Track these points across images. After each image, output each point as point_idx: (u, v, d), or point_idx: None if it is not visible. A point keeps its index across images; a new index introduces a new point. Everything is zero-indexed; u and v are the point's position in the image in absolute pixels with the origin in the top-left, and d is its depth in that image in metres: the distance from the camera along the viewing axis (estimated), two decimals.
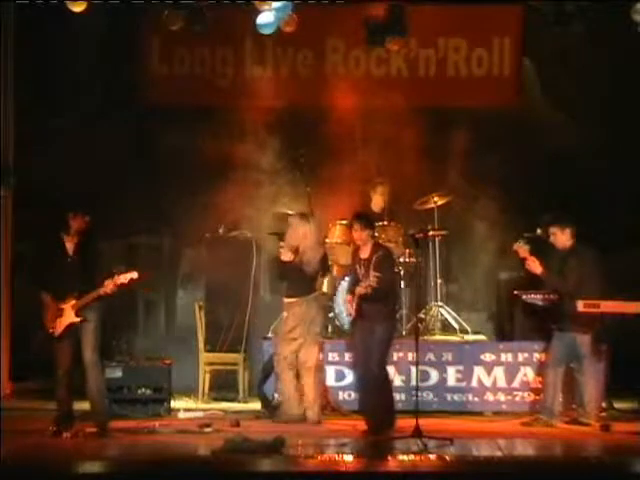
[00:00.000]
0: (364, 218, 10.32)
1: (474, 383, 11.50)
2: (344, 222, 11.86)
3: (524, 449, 9.54)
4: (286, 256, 10.76)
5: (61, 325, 9.87)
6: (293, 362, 10.71)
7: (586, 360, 10.55)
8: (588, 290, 10.37)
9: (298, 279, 10.77)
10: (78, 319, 9.85)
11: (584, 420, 10.56)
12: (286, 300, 10.80)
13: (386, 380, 10.30)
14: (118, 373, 11.02)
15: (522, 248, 10.53)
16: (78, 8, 11.07)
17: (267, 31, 11.47)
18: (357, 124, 12.88)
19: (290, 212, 11.89)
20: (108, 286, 9.81)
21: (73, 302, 9.85)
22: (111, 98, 12.81)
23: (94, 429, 9.86)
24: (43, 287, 9.94)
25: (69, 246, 9.98)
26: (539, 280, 10.68)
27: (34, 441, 9.62)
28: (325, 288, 12.25)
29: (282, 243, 11.01)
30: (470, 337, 12.14)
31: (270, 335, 11.50)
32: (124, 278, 9.87)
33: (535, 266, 10.50)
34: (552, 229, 10.59)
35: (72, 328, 9.86)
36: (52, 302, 9.89)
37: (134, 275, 9.92)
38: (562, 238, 10.58)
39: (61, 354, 9.91)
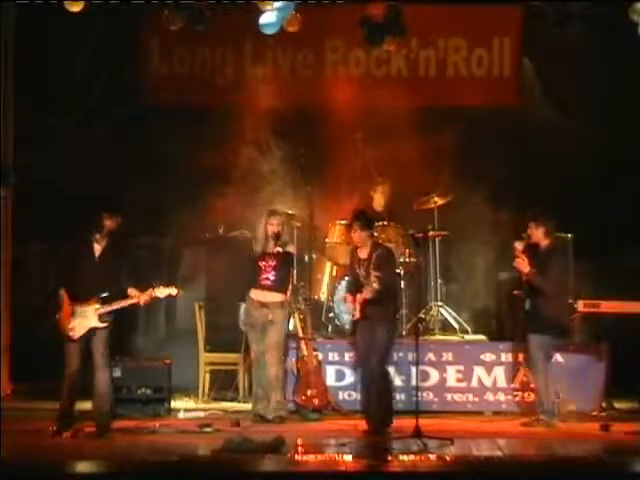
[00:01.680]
0: (363, 219, 10.25)
1: (474, 383, 11.50)
2: (344, 222, 11.86)
3: (524, 449, 9.52)
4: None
5: (81, 328, 9.83)
6: None
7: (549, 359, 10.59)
8: (565, 291, 10.43)
9: None
10: (103, 325, 9.82)
11: (543, 418, 10.52)
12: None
13: (387, 380, 10.28)
14: (118, 373, 11.02)
15: (519, 246, 10.56)
16: (76, 8, 11.07)
17: (270, 31, 11.49)
18: (357, 124, 12.87)
19: (290, 211, 11.94)
20: (142, 298, 9.79)
21: (97, 306, 9.81)
22: (111, 98, 12.80)
23: (94, 429, 9.86)
24: (63, 286, 9.91)
25: (97, 248, 9.95)
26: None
27: (34, 441, 9.62)
28: (324, 288, 12.33)
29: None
30: (470, 337, 12.14)
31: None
32: (161, 293, 9.86)
33: (523, 265, 10.51)
34: (529, 224, 10.62)
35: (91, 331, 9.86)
36: (69, 302, 9.86)
37: (173, 292, 9.92)
38: (536, 234, 10.60)
39: (73, 355, 9.88)
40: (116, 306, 9.81)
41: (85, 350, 9.90)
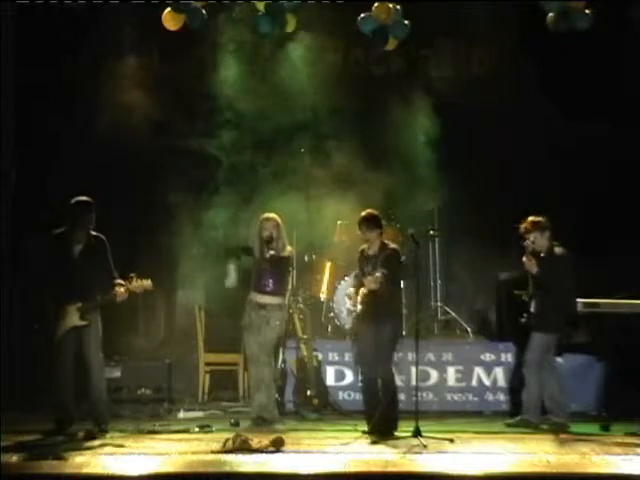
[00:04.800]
0: (372, 219, 10.20)
1: (474, 383, 11.51)
2: (344, 222, 11.87)
3: (523, 449, 9.51)
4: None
5: (64, 327, 9.83)
6: None
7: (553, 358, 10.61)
8: (566, 290, 10.48)
9: None
10: (83, 323, 9.82)
11: (558, 420, 10.51)
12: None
13: (392, 379, 10.23)
14: (118, 373, 11.03)
15: (530, 245, 10.59)
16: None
17: (265, 30, 11.62)
18: (357, 124, 12.90)
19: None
20: (122, 293, 9.77)
21: (79, 305, 9.80)
22: (111, 97, 12.80)
23: (94, 429, 9.86)
24: (47, 286, 9.89)
25: (77, 246, 9.95)
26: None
27: (34, 441, 9.62)
28: (324, 288, 12.33)
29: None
30: (470, 337, 12.14)
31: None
32: (136, 288, 9.84)
33: (532, 266, 10.53)
34: (533, 234, 10.62)
35: (74, 329, 9.83)
36: (57, 303, 9.84)
37: (148, 285, 9.88)
38: (541, 241, 10.60)
39: (62, 354, 9.88)
40: (99, 303, 9.78)
41: (75, 350, 9.89)
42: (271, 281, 10.59)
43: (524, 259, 10.52)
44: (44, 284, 9.91)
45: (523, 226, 10.63)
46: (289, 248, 10.72)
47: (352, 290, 10.28)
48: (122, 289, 9.82)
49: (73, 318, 9.82)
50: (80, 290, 9.82)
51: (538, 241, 10.61)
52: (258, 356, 10.55)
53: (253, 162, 12.72)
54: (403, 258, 11.93)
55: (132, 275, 9.87)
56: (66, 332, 9.82)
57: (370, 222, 10.18)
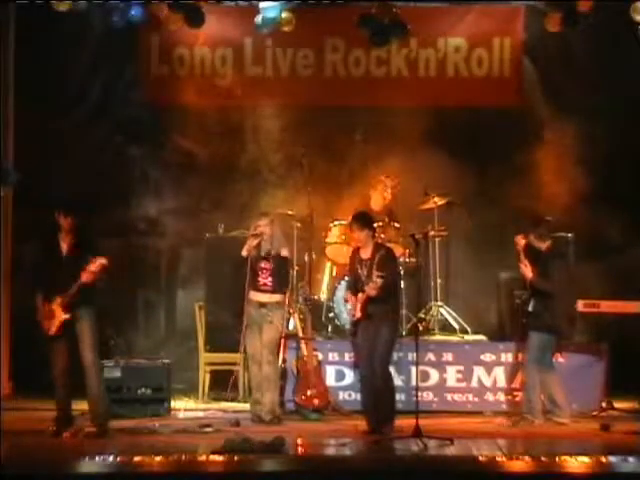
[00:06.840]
0: (362, 219, 10.23)
1: (474, 383, 11.50)
2: (343, 222, 11.86)
3: (524, 449, 9.51)
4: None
5: (54, 325, 9.82)
6: None
7: (553, 359, 10.61)
8: (568, 291, 10.49)
9: None
10: (67, 316, 9.79)
11: (558, 420, 10.53)
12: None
13: (389, 380, 10.26)
14: (117, 373, 11.02)
15: (520, 241, 10.61)
16: (63, 7, 11.18)
17: (265, 30, 11.65)
18: (357, 124, 12.90)
19: (290, 212, 11.96)
20: (84, 276, 9.74)
21: (59, 300, 9.80)
22: (111, 98, 12.80)
23: (94, 429, 9.85)
24: (37, 287, 9.91)
25: (63, 246, 9.94)
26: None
27: (34, 441, 9.62)
28: (324, 288, 12.32)
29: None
30: (470, 337, 12.13)
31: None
32: (94, 266, 9.76)
33: (527, 271, 10.56)
34: (517, 239, 10.66)
35: (67, 327, 9.82)
36: (44, 302, 9.84)
37: (103, 261, 9.79)
38: (530, 242, 10.63)
39: (57, 354, 9.87)
40: (70, 293, 9.74)
41: (70, 348, 9.87)
42: (269, 279, 10.61)
43: (520, 265, 10.55)
44: (37, 285, 9.91)
45: (521, 230, 10.67)
46: (285, 248, 10.71)
47: (350, 297, 10.27)
48: (83, 273, 9.77)
49: (59, 314, 9.79)
50: (67, 287, 9.79)
51: (535, 243, 10.62)
52: (261, 355, 10.57)
53: (254, 162, 12.73)
54: (403, 259, 11.99)
55: (92, 260, 9.79)
56: (58, 330, 9.80)
57: (359, 221, 10.17)
